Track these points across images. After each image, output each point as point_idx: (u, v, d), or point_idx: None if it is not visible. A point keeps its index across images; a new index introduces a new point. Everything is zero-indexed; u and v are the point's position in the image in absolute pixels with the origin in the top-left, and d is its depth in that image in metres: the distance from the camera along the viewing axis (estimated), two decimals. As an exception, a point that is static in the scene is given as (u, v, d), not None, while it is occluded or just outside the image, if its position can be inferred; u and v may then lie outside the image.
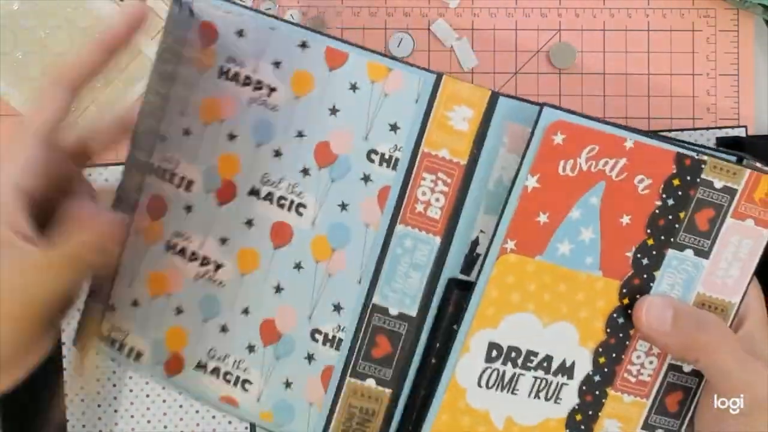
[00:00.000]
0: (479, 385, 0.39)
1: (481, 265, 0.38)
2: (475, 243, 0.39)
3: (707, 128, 0.55)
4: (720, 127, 0.55)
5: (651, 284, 0.39)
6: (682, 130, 0.55)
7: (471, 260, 0.39)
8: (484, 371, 0.39)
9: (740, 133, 0.55)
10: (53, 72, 0.38)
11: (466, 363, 0.39)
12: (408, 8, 0.56)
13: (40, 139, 0.38)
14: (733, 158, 0.41)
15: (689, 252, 0.39)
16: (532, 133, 0.37)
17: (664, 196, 0.38)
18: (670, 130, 0.55)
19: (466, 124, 0.38)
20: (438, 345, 0.40)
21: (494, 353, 0.39)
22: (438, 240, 0.39)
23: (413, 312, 0.40)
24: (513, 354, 0.39)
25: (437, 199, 0.39)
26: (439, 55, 0.56)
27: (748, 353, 0.38)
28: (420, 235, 0.39)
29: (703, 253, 0.39)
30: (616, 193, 0.38)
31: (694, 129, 0.55)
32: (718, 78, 0.56)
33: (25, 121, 0.38)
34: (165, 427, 0.54)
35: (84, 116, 0.55)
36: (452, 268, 0.40)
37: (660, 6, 0.56)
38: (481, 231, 0.39)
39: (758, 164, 0.40)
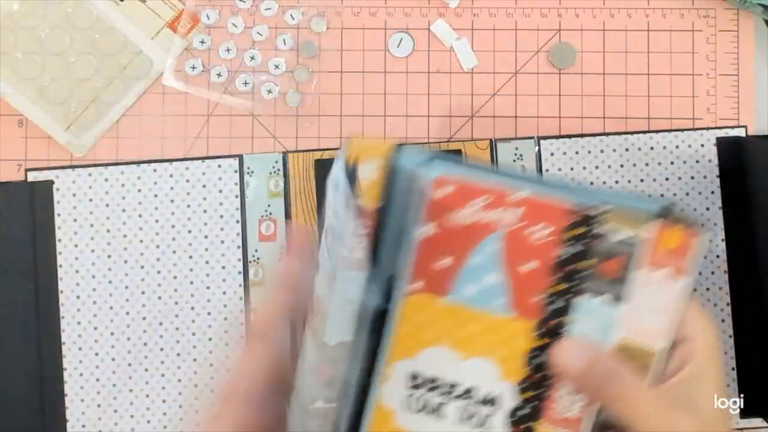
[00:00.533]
0: (406, 409, 0.40)
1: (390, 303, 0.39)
2: (392, 278, 0.40)
3: (707, 128, 0.55)
4: (720, 127, 0.55)
5: (565, 329, 0.39)
6: (682, 130, 0.55)
7: (391, 294, 0.40)
8: (408, 397, 0.40)
9: (740, 133, 0.55)
10: (253, 325, 0.38)
11: (389, 389, 0.40)
12: (408, 8, 0.56)
13: (250, 401, 0.37)
14: (651, 205, 0.40)
15: (603, 298, 0.39)
16: (420, 185, 0.38)
17: (567, 244, 0.38)
18: (670, 131, 0.55)
19: (375, 173, 0.39)
20: (368, 366, 0.40)
21: (415, 382, 0.40)
22: (363, 275, 0.40)
23: (348, 337, 0.40)
24: (434, 383, 0.40)
25: (359, 242, 0.40)
26: (439, 55, 0.56)
27: (681, 401, 0.37)
28: (350, 274, 0.40)
29: (618, 300, 0.39)
30: (515, 241, 0.38)
31: (694, 129, 0.55)
32: (718, 78, 0.56)
33: (229, 385, 0.37)
34: (165, 427, 0.54)
35: (84, 115, 0.55)
36: (377, 300, 0.40)
37: (660, 6, 0.56)
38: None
39: (674, 211, 0.39)
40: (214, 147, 0.55)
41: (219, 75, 0.55)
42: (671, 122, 0.55)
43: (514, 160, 0.55)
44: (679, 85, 0.56)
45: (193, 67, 0.55)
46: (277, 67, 0.55)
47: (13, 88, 0.54)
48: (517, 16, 0.56)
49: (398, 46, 0.56)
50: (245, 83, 0.55)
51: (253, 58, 0.55)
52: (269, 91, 0.55)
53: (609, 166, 0.55)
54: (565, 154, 0.55)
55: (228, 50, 0.55)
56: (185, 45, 0.55)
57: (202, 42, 0.55)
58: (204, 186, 0.55)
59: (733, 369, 0.54)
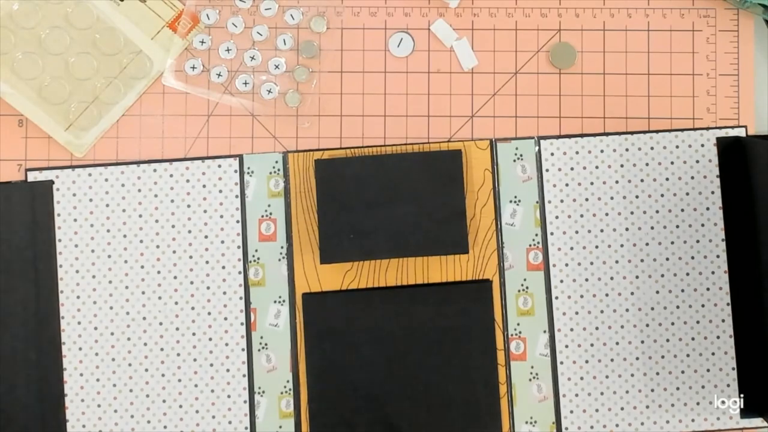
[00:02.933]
0: None
1: None
2: None
3: (707, 128, 0.55)
4: (720, 127, 0.55)
5: None
6: (682, 130, 0.55)
7: None
8: None
9: (740, 133, 0.55)
10: None
11: None
12: (408, 8, 0.56)
13: None
14: None
15: None
16: None
17: None
18: (670, 131, 0.55)
19: None
20: None
21: None
22: None
23: None
24: None
25: None
26: (439, 55, 0.56)
27: None
28: None
29: None
30: None
31: (694, 129, 0.55)
32: (718, 78, 0.56)
33: None
34: (165, 427, 0.54)
35: (84, 115, 0.55)
36: None
37: (660, 6, 0.56)
38: None
39: None
40: (214, 147, 0.55)
41: (219, 75, 0.55)
42: (671, 122, 0.56)
43: (514, 161, 0.55)
44: (679, 85, 0.56)
45: (193, 67, 0.55)
46: (277, 67, 0.56)
47: (13, 88, 0.54)
48: (517, 16, 0.56)
49: (398, 46, 0.56)
50: (245, 83, 0.55)
51: (253, 58, 0.55)
52: (269, 91, 0.55)
53: (609, 166, 0.55)
54: (565, 154, 0.55)
55: (228, 50, 0.55)
56: (185, 45, 0.55)
57: (202, 42, 0.55)
58: (204, 186, 0.55)
59: (733, 369, 0.54)
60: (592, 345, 0.55)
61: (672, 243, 0.55)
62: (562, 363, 0.55)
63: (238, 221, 0.55)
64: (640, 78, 0.56)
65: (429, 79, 0.56)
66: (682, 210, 0.55)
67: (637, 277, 0.55)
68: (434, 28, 0.56)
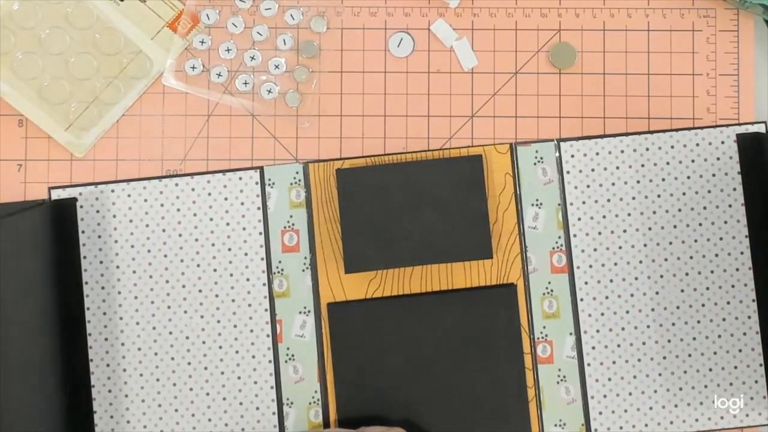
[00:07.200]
0: None
1: None
2: None
3: (727, 125, 0.56)
4: (740, 124, 0.56)
5: None
6: (702, 127, 0.56)
7: None
8: None
9: (760, 129, 0.56)
10: None
11: None
12: (408, 8, 0.57)
13: None
14: None
15: None
16: None
17: None
18: (691, 128, 0.56)
19: None
20: None
21: None
22: None
23: None
24: None
25: None
26: (439, 55, 0.57)
27: None
28: None
29: None
30: None
31: (714, 126, 0.56)
32: (718, 78, 0.57)
33: None
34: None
35: (84, 115, 0.55)
36: None
37: (660, 6, 0.57)
38: None
39: None
40: (214, 147, 0.56)
41: (219, 75, 0.56)
42: (671, 122, 0.57)
43: (535, 164, 0.56)
44: (679, 85, 0.57)
45: (193, 67, 0.56)
46: (277, 67, 0.56)
47: (13, 88, 0.55)
48: (517, 16, 0.57)
49: (398, 46, 0.57)
50: (245, 83, 0.56)
51: (253, 58, 0.56)
52: (269, 91, 0.56)
53: (630, 166, 0.56)
54: (585, 155, 0.56)
55: (228, 50, 0.56)
56: (185, 45, 0.56)
57: (202, 42, 0.56)
58: (226, 199, 0.56)
59: (760, 365, 0.55)
60: (618, 346, 0.56)
61: (695, 241, 0.56)
62: (589, 365, 0.56)
63: (261, 233, 0.56)
64: (640, 78, 0.57)
65: (429, 79, 0.57)
66: (705, 208, 0.56)
67: (661, 276, 0.56)
68: (434, 28, 0.57)
